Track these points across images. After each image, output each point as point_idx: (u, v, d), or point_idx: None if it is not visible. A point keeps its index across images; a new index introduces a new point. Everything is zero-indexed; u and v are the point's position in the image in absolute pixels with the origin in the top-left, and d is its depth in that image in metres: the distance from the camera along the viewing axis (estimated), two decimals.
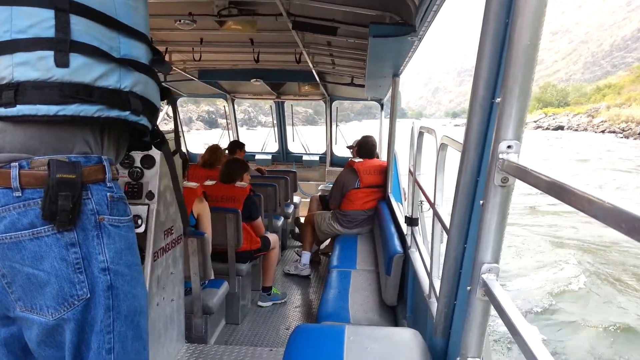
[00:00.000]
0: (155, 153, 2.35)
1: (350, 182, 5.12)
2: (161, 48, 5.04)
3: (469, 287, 1.32)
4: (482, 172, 1.43)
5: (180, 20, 3.79)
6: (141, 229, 2.27)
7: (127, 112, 1.34)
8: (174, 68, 5.70)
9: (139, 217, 2.29)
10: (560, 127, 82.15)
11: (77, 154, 1.27)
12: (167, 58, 5.27)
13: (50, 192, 1.19)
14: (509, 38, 1.12)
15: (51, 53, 1.17)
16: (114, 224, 1.33)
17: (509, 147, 1.15)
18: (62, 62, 1.18)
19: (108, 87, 1.27)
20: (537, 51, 1.10)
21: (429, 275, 2.25)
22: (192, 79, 6.49)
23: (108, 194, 1.33)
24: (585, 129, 78.23)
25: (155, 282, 2.32)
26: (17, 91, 1.16)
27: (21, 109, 1.16)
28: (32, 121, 1.19)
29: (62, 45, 1.18)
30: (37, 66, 1.16)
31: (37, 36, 1.16)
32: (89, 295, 1.26)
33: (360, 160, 5.27)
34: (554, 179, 0.90)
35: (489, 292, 1.22)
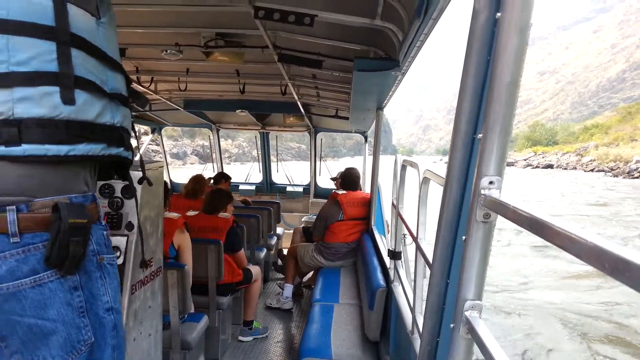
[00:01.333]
0: (136, 183, 2.31)
1: (334, 214, 5.10)
2: (147, 77, 5.05)
3: (452, 325, 1.30)
4: (463, 208, 1.42)
5: (166, 50, 3.82)
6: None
7: (122, 149, 1.33)
8: (159, 97, 5.70)
9: (117, 248, 2.23)
10: (550, 166, 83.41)
11: (77, 193, 1.23)
12: (152, 87, 5.28)
13: (61, 238, 1.12)
14: (490, 75, 1.13)
15: (57, 89, 1.12)
16: (111, 262, 1.31)
17: (490, 182, 1.15)
18: (68, 99, 1.14)
19: (106, 124, 1.25)
20: (518, 89, 1.11)
21: (412, 310, 2.22)
22: (178, 109, 6.49)
23: (104, 232, 1.31)
24: (575, 168, 79.71)
25: (132, 316, 2.25)
26: (20, 129, 1.09)
27: (27, 149, 1.10)
28: (36, 161, 1.12)
29: (68, 81, 1.14)
30: (42, 103, 1.10)
31: (39, 70, 1.10)
32: (93, 339, 1.22)
33: (344, 192, 5.26)
34: (535, 215, 0.90)
35: (472, 330, 1.20)
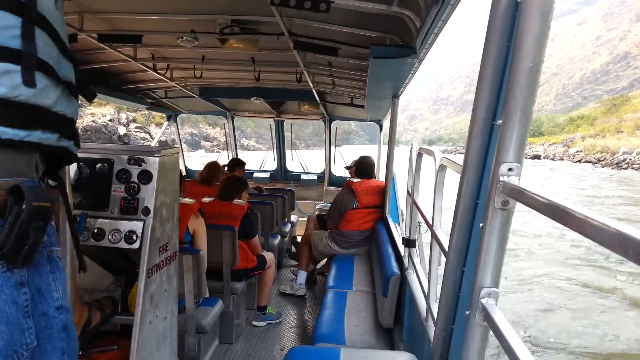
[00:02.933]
0: (153, 168, 2.33)
1: (348, 202, 5.10)
2: (163, 65, 5.07)
3: (467, 312, 1.29)
4: (481, 195, 1.41)
5: (182, 38, 3.82)
6: (136, 245, 2.24)
7: (72, 142, 1.22)
8: (175, 85, 5.73)
9: (133, 232, 2.26)
10: (537, 157, 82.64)
11: (28, 178, 1.10)
12: (168, 75, 5.30)
13: (22, 223, 1.00)
14: (511, 61, 1.12)
15: (18, 68, 1.02)
16: (59, 255, 1.17)
17: (509, 169, 1.14)
18: (29, 80, 1.03)
19: (60, 114, 1.14)
20: (539, 74, 1.10)
21: (427, 298, 2.22)
22: (193, 96, 6.51)
23: (52, 222, 1.15)
24: (562, 159, 79.14)
25: (148, 300, 2.28)
26: None
27: None
28: None
29: (29, 61, 1.03)
30: (2, 81, 1.00)
31: (1, 45, 1.00)
32: (36, 342, 1.06)
33: (359, 180, 5.26)
34: (556, 202, 0.89)
35: (488, 317, 1.19)
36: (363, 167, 5.44)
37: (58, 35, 1.15)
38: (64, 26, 1.20)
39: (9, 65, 1.01)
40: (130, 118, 47.29)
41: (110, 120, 43.74)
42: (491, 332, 1.20)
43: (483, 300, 1.23)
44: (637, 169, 54.42)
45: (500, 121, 1.15)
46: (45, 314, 1.09)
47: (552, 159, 79.81)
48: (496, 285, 1.24)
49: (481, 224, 1.23)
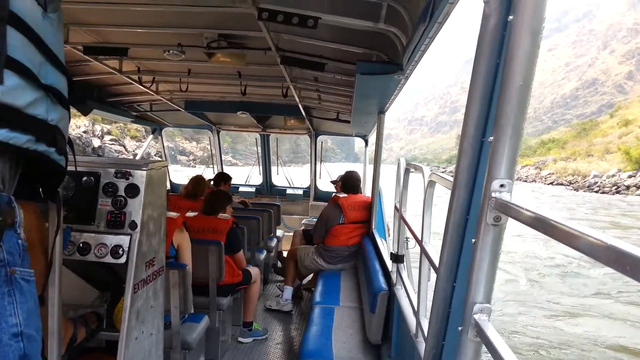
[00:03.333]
0: (140, 182, 2.30)
1: (335, 217, 5.10)
2: (149, 77, 5.05)
3: (460, 328, 1.30)
4: (471, 210, 1.42)
5: (169, 51, 3.81)
6: (122, 260, 2.21)
7: (53, 150, 1.18)
8: (160, 98, 5.70)
9: (120, 247, 2.23)
10: None
11: None
12: (154, 88, 5.27)
13: None
14: (502, 78, 1.14)
15: None
16: (26, 277, 1.08)
17: (501, 185, 1.15)
18: None
19: (37, 117, 1.10)
20: (529, 91, 1.12)
21: (416, 314, 2.21)
22: (179, 110, 6.48)
23: (19, 242, 1.09)
24: (534, 180, 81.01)
25: (134, 315, 2.24)
26: None
27: None
28: None
29: None
30: None
31: None
32: None
33: (345, 195, 5.26)
34: (550, 218, 0.90)
35: (481, 333, 1.19)
36: (349, 182, 5.44)
37: (44, 44, 1.13)
38: (57, 40, 1.19)
39: None
40: (105, 130, 46.46)
41: (85, 132, 42.95)
42: (484, 349, 1.21)
43: (476, 316, 1.23)
44: (608, 192, 55.90)
45: (491, 138, 1.17)
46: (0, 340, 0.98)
47: (525, 181, 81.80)
48: (488, 301, 1.25)
49: (473, 240, 1.24)
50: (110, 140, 45.71)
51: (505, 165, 1.14)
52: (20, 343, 1.02)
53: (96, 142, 43.32)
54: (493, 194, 1.15)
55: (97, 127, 45.12)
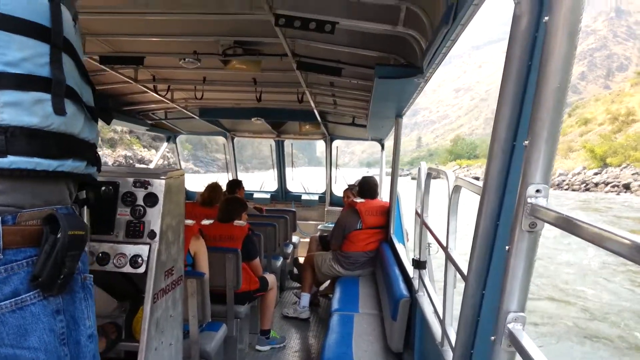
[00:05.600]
0: (159, 191, 2.29)
1: (352, 223, 5.05)
2: (164, 86, 5.07)
3: (492, 337, 1.25)
4: (502, 216, 1.38)
5: (184, 59, 3.81)
6: (141, 269, 2.19)
7: (95, 169, 1.23)
8: (175, 106, 5.72)
9: (139, 256, 2.21)
10: (477, 178, 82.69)
11: (63, 205, 1.10)
12: (169, 96, 5.29)
13: (58, 252, 0.99)
14: (537, 81, 1.09)
15: (48, 97, 1.00)
16: (92, 282, 1.17)
17: (537, 191, 1.11)
18: (59, 108, 1.02)
19: (85, 140, 1.14)
20: (565, 94, 1.07)
21: (442, 322, 2.16)
22: (193, 117, 6.51)
23: (86, 249, 1.16)
24: None
25: (154, 326, 2.22)
26: (7, 138, 0.95)
27: (14, 161, 0.97)
28: (22, 176, 0.99)
29: (60, 89, 1.02)
30: (34, 110, 0.98)
31: (31, 73, 0.98)
32: None
33: (362, 200, 5.22)
34: (592, 224, 0.86)
35: (515, 343, 1.16)
36: (366, 187, 5.39)
37: (79, 59, 1.14)
38: (81, 51, 1.19)
39: (40, 95, 1.00)
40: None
41: None
42: (517, 357, 1.16)
43: (510, 326, 1.19)
44: (577, 190, 56.30)
45: (526, 142, 1.13)
46: (77, 342, 1.08)
47: None
48: (523, 309, 1.20)
49: (507, 247, 1.20)
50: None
51: (541, 170, 1.11)
52: (92, 344, 1.14)
53: None
54: (529, 200, 1.11)
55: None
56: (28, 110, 0.97)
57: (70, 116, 1.05)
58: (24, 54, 0.97)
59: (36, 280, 0.99)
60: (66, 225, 1.01)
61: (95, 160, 1.23)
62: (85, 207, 1.55)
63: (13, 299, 0.97)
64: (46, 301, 1.02)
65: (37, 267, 0.99)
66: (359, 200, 5.24)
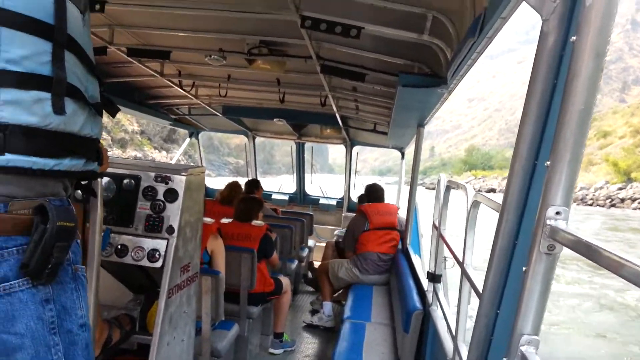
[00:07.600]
0: (179, 187, 2.31)
1: (360, 225, 5.19)
2: (189, 82, 5.12)
3: (505, 359, 1.23)
4: (521, 236, 1.36)
5: (210, 56, 3.85)
6: (158, 264, 2.21)
7: (96, 164, 1.23)
8: (199, 102, 5.77)
9: (157, 251, 2.24)
10: (492, 190, 79.04)
11: (56, 197, 1.11)
12: (193, 92, 5.35)
13: (46, 242, 1.00)
14: (562, 100, 1.08)
15: (48, 96, 1.01)
16: (84, 273, 1.19)
17: (557, 213, 1.09)
18: (59, 108, 1.02)
19: (86, 137, 1.14)
20: (590, 115, 1.06)
21: (454, 338, 2.14)
22: (216, 114, 6.56)
23: (78, 241, 1.18)
24: None
25: (167, 320, 2.24)
26: (6, 135, 0.96)
27: (11, 160, 0.97)
28: (18, 173, 1.00)
29: (59, 88, 1.02)
30: (33, 110, 0.99)
31: (32, 72, 0.98)
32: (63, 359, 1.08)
33: (369, 203, 5.46)
34: (613, 252, 0.84)
35: None
36: (373, 192, 5.73)
37: (84, 53, 1.13)
38: (90, 42, 1.20)
39: (40, 94, 1.00)
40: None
41: None
42: None
43: (523, 348, 1.17)
44: (603, 206, 53.81)
45: (548, 162, 1.11)
46: (69, 331, 1.10)
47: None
48: (537, 332, 1.18)
49: (524, 268, 1.18)
50: None
51: (562, 192, 1.09)
52: (85, 333, 1.15)
53: None
54: (548, 222, 1.09)
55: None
56: (27, 109, 0.98)
57: (69, 115, 1.06)
58: (26, 52, 0.97)
59: (25, 268, 1.00)
60: (55, 216, 1.02)
61: (97, 156, 1.23)
62: (99, 199, 1.54)
63: (1, 285, 0.99)
64: (35, 289, 1.03)
65: (26, 256, 1.00)
66: (365, 204, 5.49)
